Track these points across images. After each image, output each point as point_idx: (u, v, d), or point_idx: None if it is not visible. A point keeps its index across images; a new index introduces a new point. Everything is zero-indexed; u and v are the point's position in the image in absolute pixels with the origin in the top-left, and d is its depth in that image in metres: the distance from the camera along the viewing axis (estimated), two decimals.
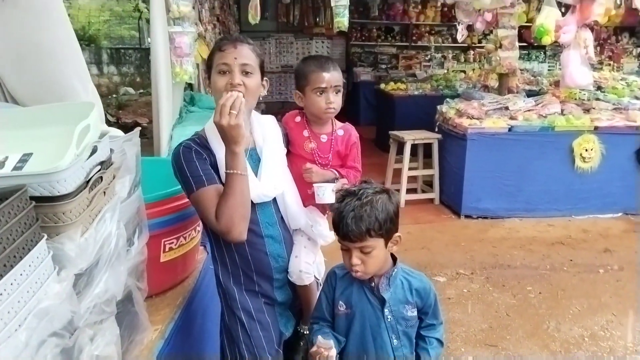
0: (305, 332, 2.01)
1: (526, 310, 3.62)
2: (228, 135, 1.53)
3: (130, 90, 11.77)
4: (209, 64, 1.72)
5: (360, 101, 9.85)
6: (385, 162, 6.16)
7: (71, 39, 2.07)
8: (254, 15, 4.61)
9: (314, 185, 1.77)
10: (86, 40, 14.41)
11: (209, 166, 1.65)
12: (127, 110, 10.47)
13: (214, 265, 1.84)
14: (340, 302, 1.68)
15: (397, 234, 1.61)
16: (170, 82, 3.34)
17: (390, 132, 6.12)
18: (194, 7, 3.85)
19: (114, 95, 11.64)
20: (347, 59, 10.85)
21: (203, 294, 2.11)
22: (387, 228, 1.56)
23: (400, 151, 5.83)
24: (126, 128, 8.70)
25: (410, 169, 5.78)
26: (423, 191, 6.05)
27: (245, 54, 1.66)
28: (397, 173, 5.86)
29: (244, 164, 1.59)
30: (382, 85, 8.27)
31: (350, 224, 1.52)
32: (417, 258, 4.33)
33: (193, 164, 1.64)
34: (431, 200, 5.87)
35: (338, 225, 1.56)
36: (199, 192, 1.62)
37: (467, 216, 5.39)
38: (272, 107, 9.18)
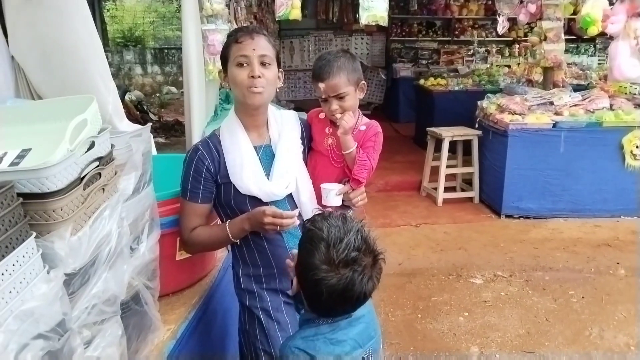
0: None
1: (567, 315, 3.44)
2: (255, 225, 1.64)
3: (173, 89, 11.98)
4: (224, 57, 1.69)
5: (399, 98, 9.66)
6: (423, 160, 6.00)
7: (94, 38, 2.08)
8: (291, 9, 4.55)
9: (321, 186, 1.75)
10: (133, 41, 14.79)
11: (199, 182, 1.69)
12: (169, 108, 10.69)
13: (234, 264, 1.84)
14: None
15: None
16: (203, 79, 3.35)
17: (427, 128, 5.96)
18: (227, 5, 3.85)
19: (157, 95, 11.89)
20: (387, 55, 10.68)
21: (223, 293, 2.08)
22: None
23: (438, 148, 5.68)
24: (167, 126, 8.83)
25: (449, 166, 5.62)
26: (462, 190, 5.87)
27: (263, 45, 1.64)
28: (435, 171, 5.70)
29: (241, 236, 1.71)
30: (422, 81, 8.05)
31: None
32: (452, 259, 4.19)
33: (187, 174, 1.71)
34: (470, 199, 5.68)
35: None
36: (181, 200, 1.74)
37: (507, 216, 5.19)
38: (311, 104, 9.11)
